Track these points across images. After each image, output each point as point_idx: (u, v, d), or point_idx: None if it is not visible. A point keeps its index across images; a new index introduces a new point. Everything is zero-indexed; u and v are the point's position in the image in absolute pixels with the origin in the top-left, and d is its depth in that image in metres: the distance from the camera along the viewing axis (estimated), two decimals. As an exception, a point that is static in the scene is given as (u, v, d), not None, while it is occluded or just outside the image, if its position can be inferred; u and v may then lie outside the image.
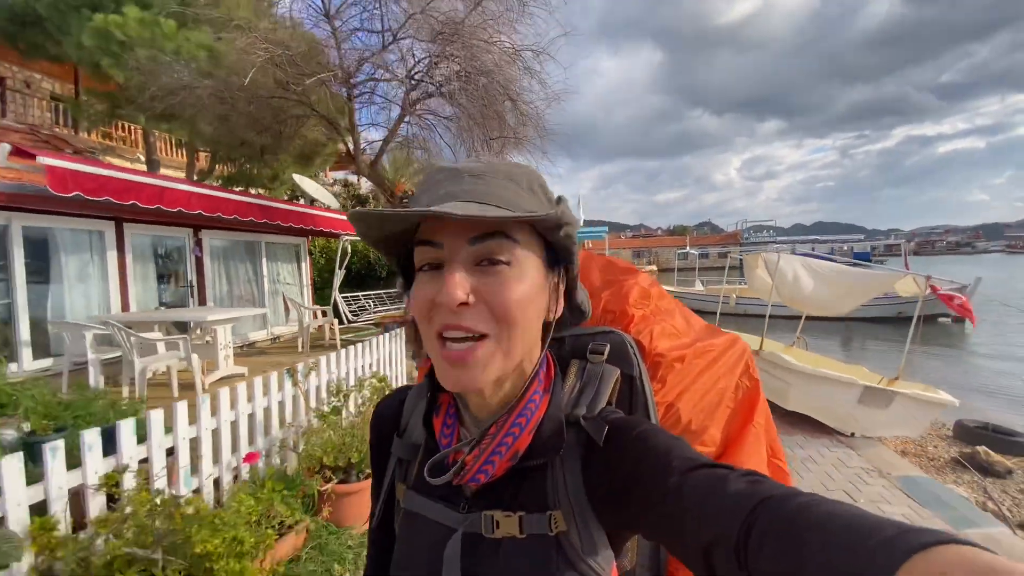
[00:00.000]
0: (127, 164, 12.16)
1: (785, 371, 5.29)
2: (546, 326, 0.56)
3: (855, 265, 6.56)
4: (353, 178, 19.87)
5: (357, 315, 9.79)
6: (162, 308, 6.46)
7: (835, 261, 6.42)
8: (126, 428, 2.25)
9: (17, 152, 4.44)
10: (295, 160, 11.25)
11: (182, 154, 14.96)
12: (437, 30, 6.11)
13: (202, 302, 7.21)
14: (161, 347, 4.88)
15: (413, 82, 6.85)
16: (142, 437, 2.37)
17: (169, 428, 2.53)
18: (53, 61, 12.03)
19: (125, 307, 6.03)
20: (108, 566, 1.91)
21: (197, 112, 8.59)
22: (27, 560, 1.95)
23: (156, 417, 2.39)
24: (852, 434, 5.00)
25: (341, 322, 8.36)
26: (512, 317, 0.49)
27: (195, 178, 12.57)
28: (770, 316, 6.57)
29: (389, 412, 0.69)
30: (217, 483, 2.80)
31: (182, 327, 5.82)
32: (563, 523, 0.52)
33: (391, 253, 0.57)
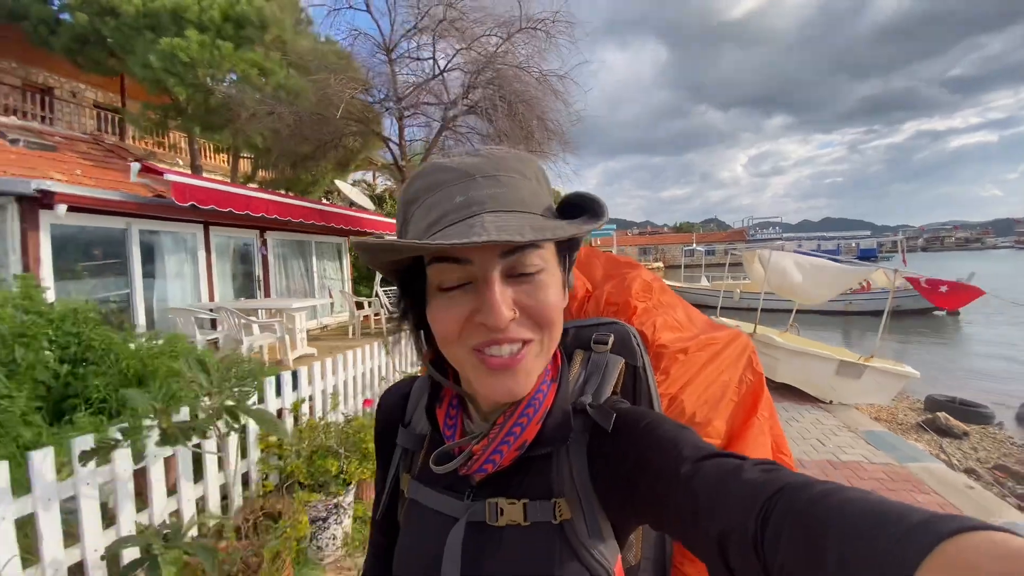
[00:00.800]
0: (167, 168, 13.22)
1: (774, 349, 6.26)
2: None
3: (861, 260, 7.47)
4: (370, 178, 20.94)
5: (396, 306, 10.85)
6: (241, 299, 7.51)
7: (839, 259, 7.29)
8: (303, 374, 3.27)
9: (145, 169, 5.47)
10: (334, 167, 12.33)
11: (221, 159, 16.06)
12: (477, 60, 7.12)
13: (267, 294, 8.26)
14: (255, 328, 5.92)
15: (452, 104, 7.89)
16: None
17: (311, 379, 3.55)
18: (105, 75, 13.12)
19: (211, 297, 7.08)
20: (310, 456, 2.93)
21: (257, 126, 9.69)
22: (256, 453, 2.98)
23: (316, 368, 3.41)
24: (831, 401, 5.96)
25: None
26: (553, 321, 0.50)
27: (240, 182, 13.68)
28: (773, 310, 7.52)
29: (394, 402, 0.69)
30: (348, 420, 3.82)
31: (251, 314, 6.87)
32: (567, 511, 0.52)
33: (391, 271, 0.55)
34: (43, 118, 13.96)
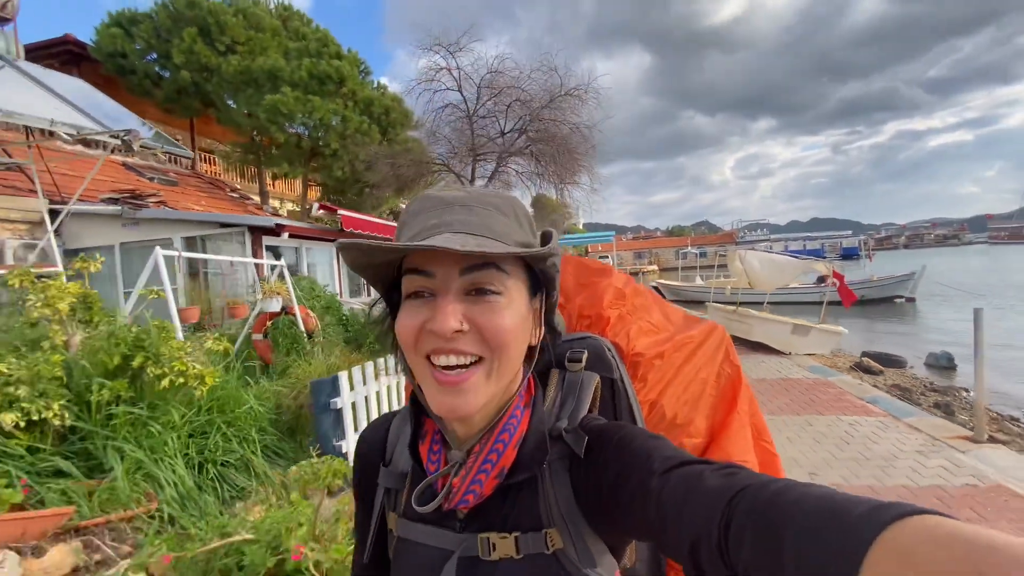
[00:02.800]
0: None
1: (751, 319, 8.99)
2: (530, 349, 0.59)
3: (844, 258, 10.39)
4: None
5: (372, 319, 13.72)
6: (357, 298, 10.11)
7: (824, 256, 10.22)
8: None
9: (322, 207, 8.06)
10: (393, 193, 14.97)
11: (285, 186, 18.62)
12: (526, 118, 9.87)
13: (369, 293, 10.89)
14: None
15: (507, 151, 10.63)
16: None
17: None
18: (186, 117, 15.66)
19: (341, 295, 9.67)
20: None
21: (339, 163, 12.36)
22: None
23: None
24: (790, 353, 8.63)
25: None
26: (505, 343, 0.51)
27: (308, 206, 16.32)
28: (753, 302, 10.24)
29: (374, 442, 0.69)
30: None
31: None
32: (559, 540, 0.54)
33: (376, 280, 0.58)
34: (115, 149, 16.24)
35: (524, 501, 0.56)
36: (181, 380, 2.60)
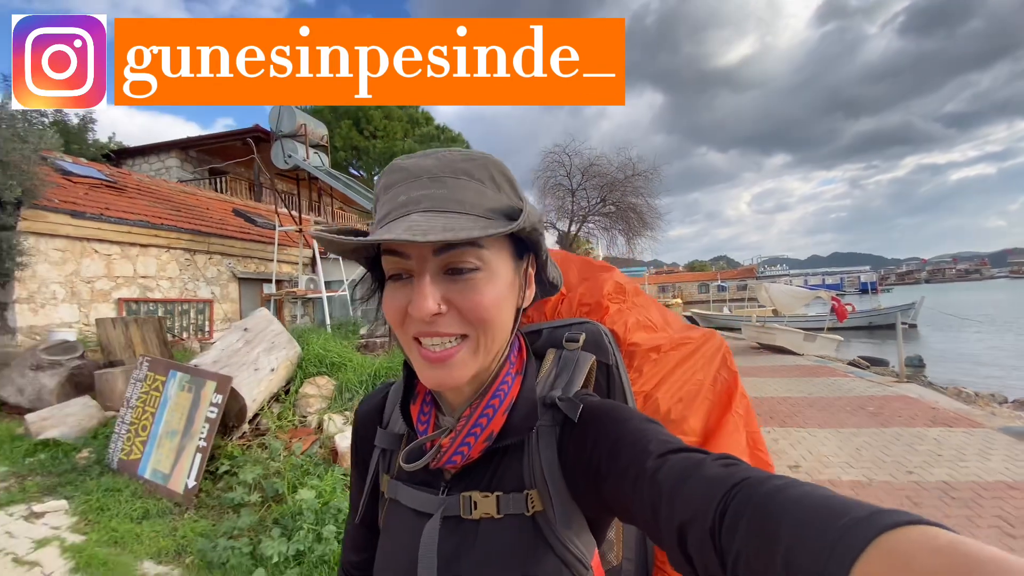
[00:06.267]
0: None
1: (776, 330, 12.94)
2: (518, 311, 0.58)
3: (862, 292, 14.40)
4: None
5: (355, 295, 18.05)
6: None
7: (843, 290, 14.35)
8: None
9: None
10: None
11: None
12: (609, 191, 14.39)
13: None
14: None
15: (588, 212, 15.15)
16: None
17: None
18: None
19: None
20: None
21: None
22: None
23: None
24: (803, 354, 12.47)
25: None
26: (487, 319, 0.52)
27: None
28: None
29: (372, 406, 0.71)
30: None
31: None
32: (539, 503, 0.54)
33: (359, 259, 0.59)
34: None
35: (510, 464, 0.57)
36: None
